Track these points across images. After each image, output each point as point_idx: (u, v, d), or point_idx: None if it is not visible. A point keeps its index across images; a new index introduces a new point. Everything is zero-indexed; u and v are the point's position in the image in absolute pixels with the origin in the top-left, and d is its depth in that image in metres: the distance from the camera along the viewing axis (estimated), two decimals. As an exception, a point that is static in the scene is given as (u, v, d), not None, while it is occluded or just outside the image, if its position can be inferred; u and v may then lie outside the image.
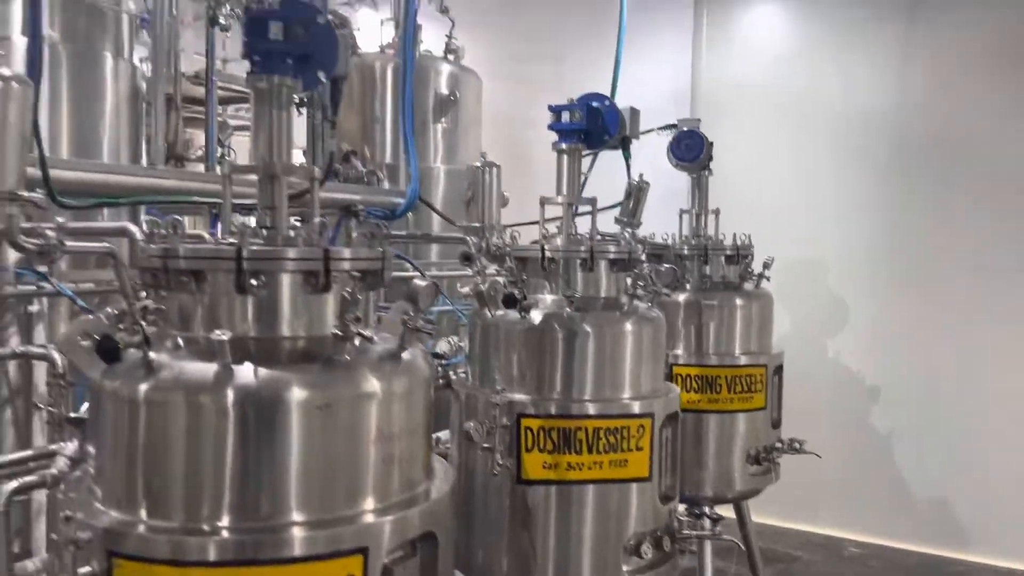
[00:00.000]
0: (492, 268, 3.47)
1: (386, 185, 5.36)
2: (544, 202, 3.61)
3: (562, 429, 3.16)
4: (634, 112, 3.78)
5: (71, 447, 2.29)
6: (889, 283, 6.50)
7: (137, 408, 1.83)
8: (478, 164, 3.65)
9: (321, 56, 2.18)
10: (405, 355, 2.07)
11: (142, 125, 4.14)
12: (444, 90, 5.87)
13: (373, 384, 1.94)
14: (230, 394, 1.79)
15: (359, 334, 1.92)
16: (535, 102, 7.71)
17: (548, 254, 3.39)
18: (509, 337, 3.33)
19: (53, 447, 2.39)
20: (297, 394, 1.82)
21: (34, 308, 3.35)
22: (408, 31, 3.65)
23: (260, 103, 2.14)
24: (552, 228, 3.63)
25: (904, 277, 6.47)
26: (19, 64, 3.56)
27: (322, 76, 2.22)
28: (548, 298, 3.46)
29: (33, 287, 2.66)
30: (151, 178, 3.40)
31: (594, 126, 3.57)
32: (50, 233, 1.76)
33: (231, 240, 2.01)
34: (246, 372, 1.82)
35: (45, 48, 3.53)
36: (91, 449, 2.01)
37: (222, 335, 1.80)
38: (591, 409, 3.29)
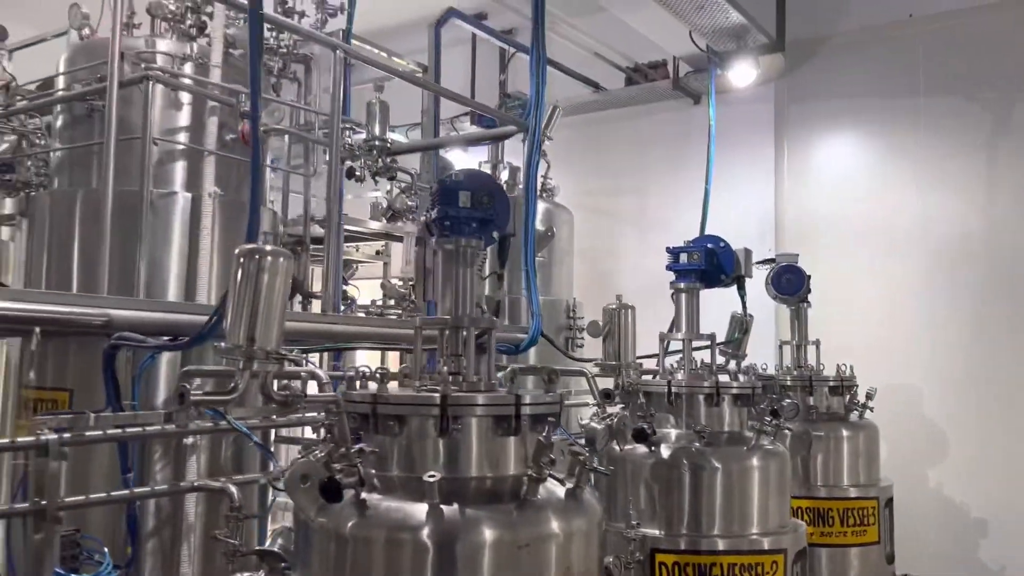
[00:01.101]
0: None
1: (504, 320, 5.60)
2: (664, 338, 3.78)
3: (697, 565, 3.21)
4: (748, 252, 3.98)
5: (259, 578, 2.44)
6: (988, 409, 6.41)
7: (354, 545, 1.99)
8: (614, 305, 3.85)
9: (498, 219, 2.43)
10: (584, 495, 2.21)
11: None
12: (540, 226, 6.18)
13: (567, 524, 2.07)
14: (443, 533, 1.94)
15: (552, 476, 2.07)
16: (618, 234, 8.08)
17: (674, 389, 3.52)
18: (638, 471, 3.43)
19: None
20: (504, 534, 1.96)
21: (188, 441, 3.60)
22: (531, 178, 3.94)
23: (448, 262, 2.38)
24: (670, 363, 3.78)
25: (1004, 402, 6.38)
26: (180, 214, 3.98)
27: (495, 235, 2.47)
28: (672, 432, 3.57)
29: (210, 424, 2.88)
30: (336, 325, 3.67)
31: (711, 266, 3.78)
32: (295, 384, 1.98)
33: (419, 385, 2.21)
34: (454, 512, 1.97)
35: (209, 201, 3.95)
36: (295, 580, 2.15)
37: (431, 477, 1.97)
38: (721, 545, 3.33)
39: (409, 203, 5.11)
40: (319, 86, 4.91)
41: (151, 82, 3.55)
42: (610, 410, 3.55)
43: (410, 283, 5.15)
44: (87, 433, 2.52)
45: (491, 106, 6.75)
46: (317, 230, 4.97)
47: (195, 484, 3.09)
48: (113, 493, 2.80)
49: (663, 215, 7.65)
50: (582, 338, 6.11)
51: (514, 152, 6.49)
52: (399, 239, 5.63)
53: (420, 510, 1.98)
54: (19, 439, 2.43)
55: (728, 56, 6.26)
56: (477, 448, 2.14)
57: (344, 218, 4.90)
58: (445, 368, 2.31)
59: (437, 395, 2.10)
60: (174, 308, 2.92)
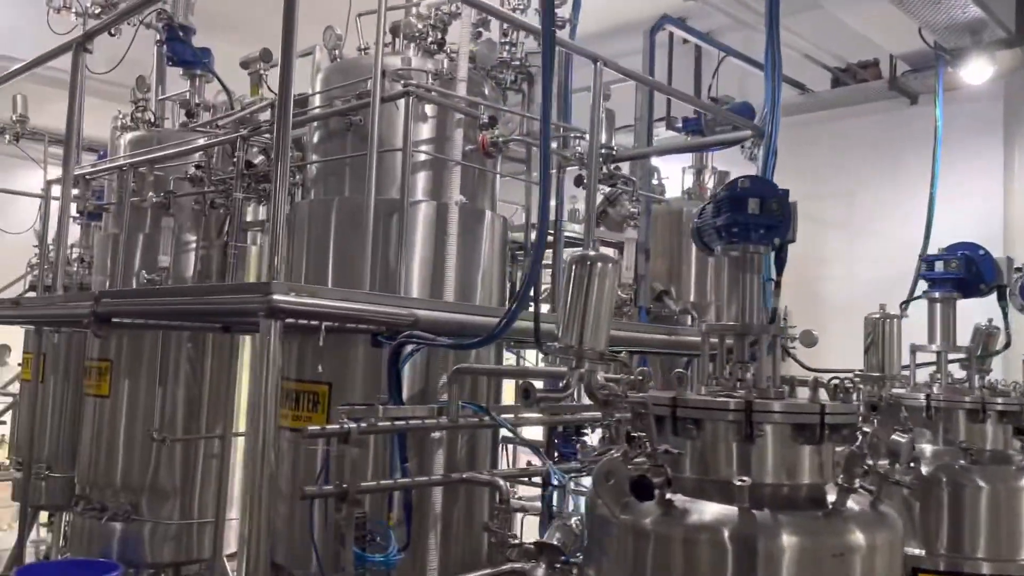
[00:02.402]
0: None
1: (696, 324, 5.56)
2: (916, 349, 3.62)
3: (963, 588, 3.06)
4: (1009, 260, 3.75)
5: (541, 571, 2.56)
6: None
7: (658, 543, 2.05)
8: (877, 315, 3.74)
9: (783, 226, 2.43)
10: (885, 508, 2.16)
11: (506, 271, 4.62)
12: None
13: (873, 537, 2.04)
14: (754, 537, 1.96)
15: (864, 488, 2.04)
16: (823, 240, 7.79)
17: (933, 403, 3.37)
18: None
19: (516, 566, 2.66)
20: (817, 542, 1.96)
21: (435, 435, 3.80)
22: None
23: (734, 268, 2.40)
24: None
25: None
26: (423, 220, 4.22)
27: (776, 241, 2.47)
28: (927, 447, 3.42)
29: (476, 419, 3.05)
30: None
31: (970, 275, 3.59)
32: (613, 385, 2.07)
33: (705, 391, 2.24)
34: (766, 517, 1.99)
35: (455, 208, 4.17)
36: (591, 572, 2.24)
37: (742, 481, 1.99)
38: (986, 568, 3.16)
39: (632, 209, 5.17)
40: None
41: (411, 97, 3.78)
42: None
43: (631, 288, 5.20)
44: (379, 424, 2.72)
45: (689, 112, 6.70)
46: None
47: (464, 476, 3.27)
48: (399, 480, 3.00)
49: (874, 221, 7.32)
50: (794, 347, 5.95)
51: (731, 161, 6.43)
52: (614, 245, 5.70)
53: (730, 512, 2.01)
54: (327, 426, 2.66)
55: (960, 52, 5.90)
56: (779, 455, 2.15)
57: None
58: (731, 374, 2.34)
59: (739, 400, 2.12)
60: (466, 310, 3.09)
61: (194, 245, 6.03)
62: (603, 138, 4.84)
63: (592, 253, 2.19)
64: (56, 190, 7.48)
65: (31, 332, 7.42)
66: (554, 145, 4.80)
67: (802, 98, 7.47)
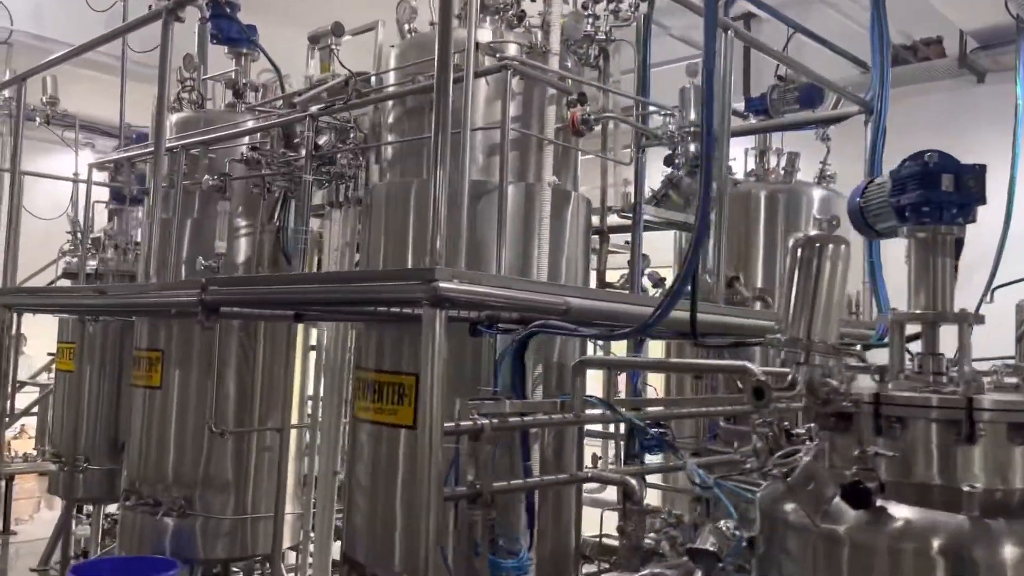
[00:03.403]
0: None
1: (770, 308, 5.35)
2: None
3: None
4: None
5: (698, 578, 2.36)
6: None
7: (874, 555, 1.85)
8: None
9: (972, 204, 2.22)
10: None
11: (589, 256, 4.41)
12: (819, 215, 5.84)
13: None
14: (992, 550, 1.76)
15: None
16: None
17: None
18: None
19: (657, 571, 2.47)
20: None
21: (533, 431, 3.60)
22: (875, 163, 3.70)
23: (922, 251, 2.19)
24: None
25: None
26: (511, 202, 4.00)
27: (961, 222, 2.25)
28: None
29: (599, 412, 2.85)
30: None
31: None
32: (833, 383, 1.86)
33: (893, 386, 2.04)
34: (1001, 527, 1.79)
35: (547, 189, 3.95)
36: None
37: (972, 487, 1.79)
38: None
39: None
40: (618, 71, 4.83)
41: (508, 71, 3.56)
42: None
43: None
44: (509, 419, 2.52)
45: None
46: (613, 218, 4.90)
47: (590, 475, 3.07)
48: (529, 480, 2.80)
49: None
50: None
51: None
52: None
53: (960, 522, 1.81)
54: (461, 423, 2.46)
55: (1049, 26, 5.67)
56: (994, 457, 1.94)
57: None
58: (921, 367, 2.13)
59: (957, 397, 1.91)
60: (614, 298, 2.86)
61: (245, 230, 5.83)
62: (692, 115, 4.63)
63: (822, 234, 1.98)
64: (96, 175, 7.29)
65: (70, 321, 7.21)
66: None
67: (865, 77, 7.21)
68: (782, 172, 5.96)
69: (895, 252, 2.68)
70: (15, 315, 4.57)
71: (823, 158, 6.11)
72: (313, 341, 6.41)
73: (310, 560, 5.12)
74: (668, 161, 4.29)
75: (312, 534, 5.11)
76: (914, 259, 2.21)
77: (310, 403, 6.73)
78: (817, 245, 1.94)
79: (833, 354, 1.88)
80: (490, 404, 2.63)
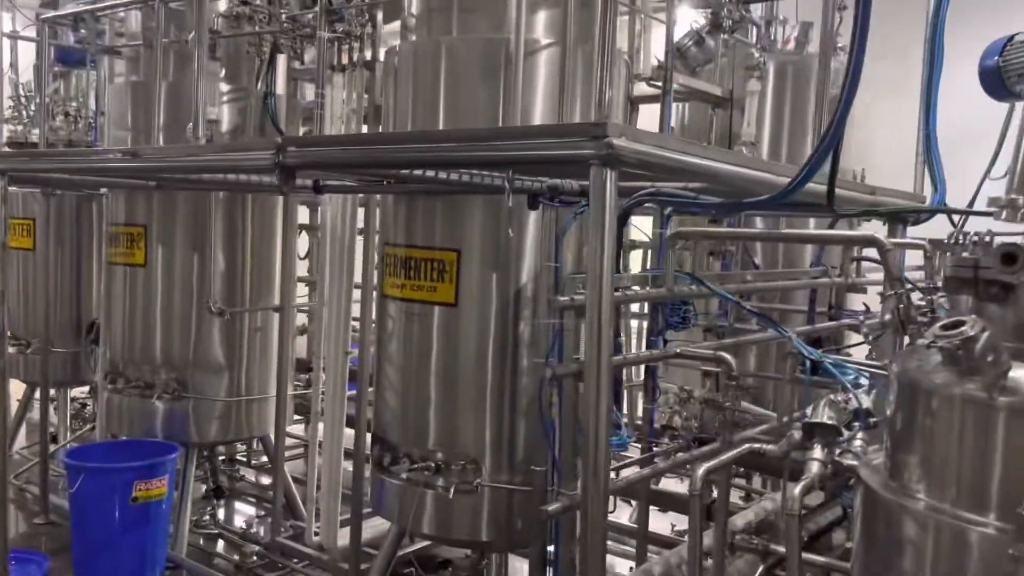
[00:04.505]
0: None
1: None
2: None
3: None
4: None
5: (818, 451, 2.33)
6: None
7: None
8: None
9: None
10: None
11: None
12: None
13: None
14: None
15: None
16: (873, 100, 7.42)
17: None
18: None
19: (757, 446, 2.42)
20: None
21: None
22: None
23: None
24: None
25: None
26: (544, 65, 3.72)
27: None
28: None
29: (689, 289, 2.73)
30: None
31: None
32: None
33: None
34: None
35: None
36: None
37: None
38: None
39: (758, 58, 4.75)
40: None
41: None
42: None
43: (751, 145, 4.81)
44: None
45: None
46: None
47: (680, 351, 2.97)
48: (642, 353, 2.67)
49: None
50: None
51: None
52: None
53: None
54: (575, 297, 2.29)
55: None
56: None
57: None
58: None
59: None
60: (756, 165, 2.59)
61: (228, 96, 5.39)
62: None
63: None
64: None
65: (20, 195, 6.65)
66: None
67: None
68: (793, 42, 5.76)
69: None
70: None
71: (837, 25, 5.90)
72: (303, 219, 6.10)
73: (319, 440, 4.99)
74: (715, 24, 4.03)
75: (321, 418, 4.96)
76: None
77: (303, 284, 6.50)
78: None
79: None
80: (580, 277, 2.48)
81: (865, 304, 4.57)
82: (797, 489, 2.20)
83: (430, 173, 2.95)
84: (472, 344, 3.66)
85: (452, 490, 3.58)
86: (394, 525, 4.17)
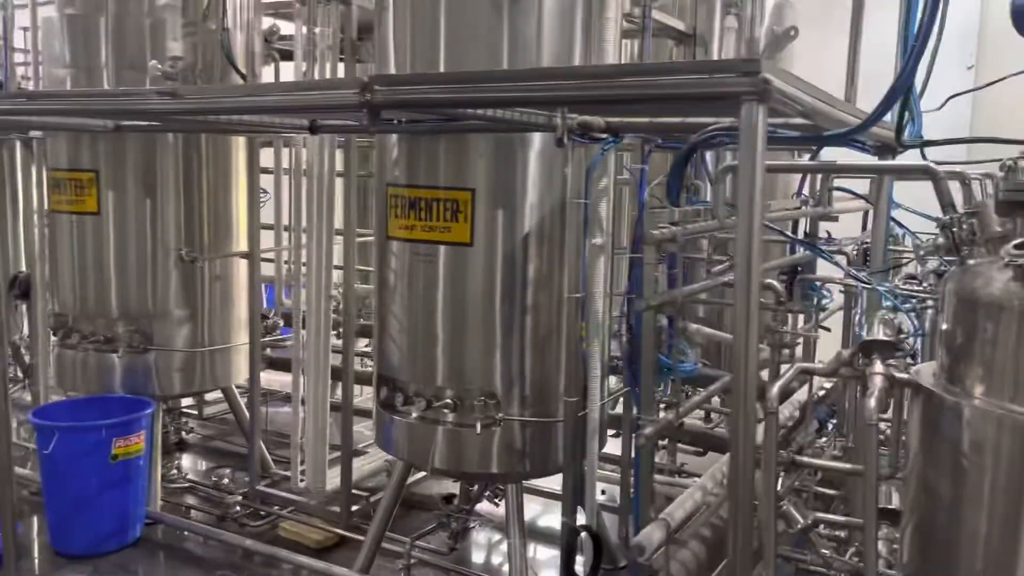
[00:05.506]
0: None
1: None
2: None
3: None
4: None
5: (879, 366, 2.53)
6: None
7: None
8: None
9: None
10: None
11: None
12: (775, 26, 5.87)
13: None
14: None
15: None
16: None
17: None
18: None
19: (806, 365, 2.60)
20: None
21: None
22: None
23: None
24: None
25: None
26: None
27: None
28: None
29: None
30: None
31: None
32: None
33: None
34: None
35: None
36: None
37: None
38: None
39: None
40: None
41: None
42: None
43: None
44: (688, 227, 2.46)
45: None
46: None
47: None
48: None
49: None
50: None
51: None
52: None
53: None
54: (654, 231, 2.36)
55: None
56: None
57: None
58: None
59: None
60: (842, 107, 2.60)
61: (179, 32, 5.06)
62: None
63: None
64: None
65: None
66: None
67: None
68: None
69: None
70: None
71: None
72: (267, 163, 5.85)
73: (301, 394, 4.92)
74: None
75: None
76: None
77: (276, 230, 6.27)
78: None
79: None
80: (667, 212, 2.56)
81: (828, 232, 4.88)
82: (872, 401, 2.40)
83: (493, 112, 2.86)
84: (486, 282, 3.70)
85: (478, 425, 3.64)
86: (399, 463, 4.21)
